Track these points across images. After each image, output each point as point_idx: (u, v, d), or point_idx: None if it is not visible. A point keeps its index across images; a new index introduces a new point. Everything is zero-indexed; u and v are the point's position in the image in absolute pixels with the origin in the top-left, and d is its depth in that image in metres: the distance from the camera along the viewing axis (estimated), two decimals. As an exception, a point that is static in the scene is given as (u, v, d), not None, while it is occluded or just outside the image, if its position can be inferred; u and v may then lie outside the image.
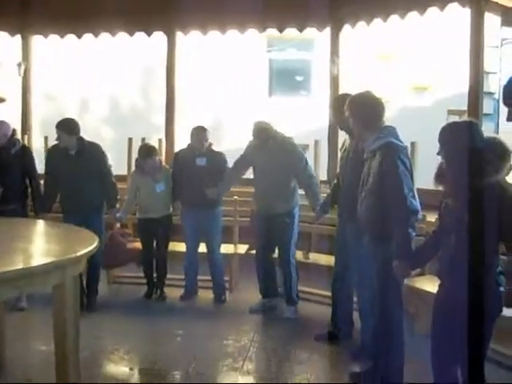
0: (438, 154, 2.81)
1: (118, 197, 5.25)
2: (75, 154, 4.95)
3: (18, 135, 5.53)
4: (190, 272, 5.39)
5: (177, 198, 5.36)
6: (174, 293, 5.45)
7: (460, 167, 2.66)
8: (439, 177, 2.83)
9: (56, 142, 5.05)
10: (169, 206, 5.38)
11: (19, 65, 6.89)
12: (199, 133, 5.23)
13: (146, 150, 5.26)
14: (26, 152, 5.15)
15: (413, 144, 5.14)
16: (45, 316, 4.00)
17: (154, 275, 5.40)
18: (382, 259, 3.40)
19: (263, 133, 4.86)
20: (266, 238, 5.02)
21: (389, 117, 3.56)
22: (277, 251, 5.09)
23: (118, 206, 5.26)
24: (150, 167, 5.21)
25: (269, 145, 4.84)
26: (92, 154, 5.00)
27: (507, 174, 2.69)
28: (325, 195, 4.75)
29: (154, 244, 5.38)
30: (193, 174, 5.18)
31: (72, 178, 4.90)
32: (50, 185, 5.09)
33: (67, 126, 4.90)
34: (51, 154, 5.16)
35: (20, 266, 2.41)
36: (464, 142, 2.68)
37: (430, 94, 10.05)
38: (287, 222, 4.88)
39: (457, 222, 2.69)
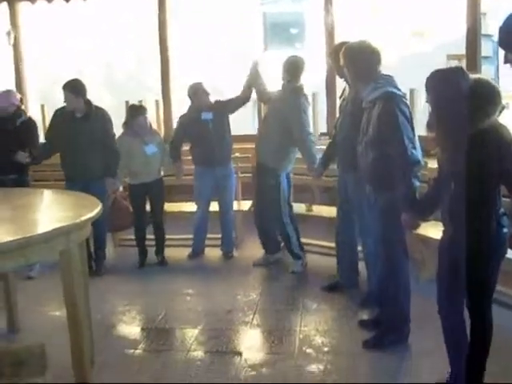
0: (426, 101, 2.78)
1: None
2: (81, 117, 4.88)
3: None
4: (199, 231, 5.39)
5: (176, 159, 5.31)
6: (179, 253, 5.49)
7: (446, 116, 2.63)
8: (430, 125, 2.80)
9: (62, 105, 4.97)
10: (160, 169, 5.30)
11: (8, 33, 6.76)
12: (197, 89, 5.17)
13: (135, 108, 5.15)
14: (31, 124, 5.10)
15: (412, 91, 5.08)
16: (55, 283, 4.10)
17: (149, 242, 5.38)
18: (385, 208, 3.42)
19: (296, 69, 4.77)
20: (261, 193, 5.00)
21: (387, 64, 3.50)
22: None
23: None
24: (139, 126, 5.07)
25: (284, 88, 4.76)
26: (98, 119, 4.92)
27: (499, 114, 2.65)
28: (323, 147, 4.72)
29: (148, 208, 5.32)
30: (201, 131, 5.13)
31: (76, 143, 4.84)
32: (47, 146, 5.03)
33: (74, 87, 4.81)
34: (57, 116, 5.03)
35: (24, 234, 2.41)
36: (449, 90, 2.63)
37: (428, 40, 9.90)
38: (272, 183, 4.85)
39: (451, 169, 2.68)
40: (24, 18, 6.86)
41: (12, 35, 6.74)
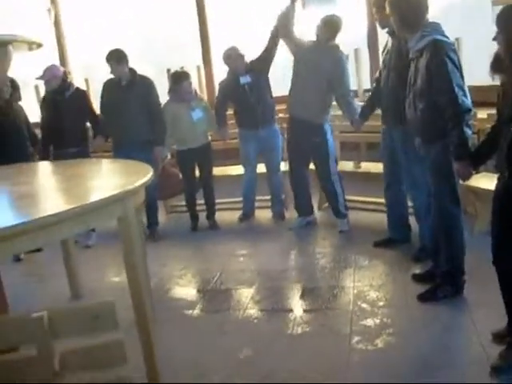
0: (493, 39, 2.68)
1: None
2: (126, 85, 5.01)
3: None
4: (248, 194, 5.44)
5: (222, 124, 5.32)
6: (230, 216, 5.58)
7: (510, 55, 2.55)
8: (495, 65, 2.71)
9: (110, 77, 5.12)
10: (207, 134, 5.34)
11: (49, 10, 6.86)
12: (231, 53, 5.13)
13: (179, 74, 5.17)
14: (80, 94, 5.22)
15: (457, 40, 4.95)
16: (112, 251, 4.25)
17: (200, 207, 5.46)
18: (437, 159, 3.37)
19: (333, 29, 4.71)
20: (298, 152, 4.96)
21: (432, 14, 3.42)
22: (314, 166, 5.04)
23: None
24: (185, 92, 5.10)
25: (325, 46, 4.70)
26: (143, 87, 5.03)
27: None
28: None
29: (197, 174, 5.39)
30: (241, 95, 5.12)
31: (123, 110, 4.96)
32: (106, 118, 5.16)
33: (116, 55, 4.94)
34: (105, 87, 5.20)
35: (83, 202, 2.49)
36: None
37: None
38: (319, 141, 4.81)
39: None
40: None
41: (52, 12, 6.83)
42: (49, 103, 5.14)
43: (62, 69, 5.21)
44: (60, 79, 5.06)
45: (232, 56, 5.13)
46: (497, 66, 2.67)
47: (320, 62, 4.68)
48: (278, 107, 5.50)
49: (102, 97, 5.22)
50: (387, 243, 4.44)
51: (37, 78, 5.12)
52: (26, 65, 5.27)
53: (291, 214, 5.39)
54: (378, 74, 4.27)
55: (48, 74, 5.04)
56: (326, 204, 5.25)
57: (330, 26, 4.71)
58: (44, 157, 5.07)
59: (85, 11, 9.07)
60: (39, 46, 3.21)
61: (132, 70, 5.02)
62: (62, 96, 5.06)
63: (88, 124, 5.30)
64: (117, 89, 5.03)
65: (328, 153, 4.84)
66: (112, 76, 5.05)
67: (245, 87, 5.11)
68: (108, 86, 5.15)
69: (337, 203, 4.95)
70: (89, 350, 1.87)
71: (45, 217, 2.30)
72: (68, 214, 2.37)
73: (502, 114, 2.74)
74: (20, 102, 5.22)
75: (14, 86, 5.09)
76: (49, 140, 5.16)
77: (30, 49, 3.19)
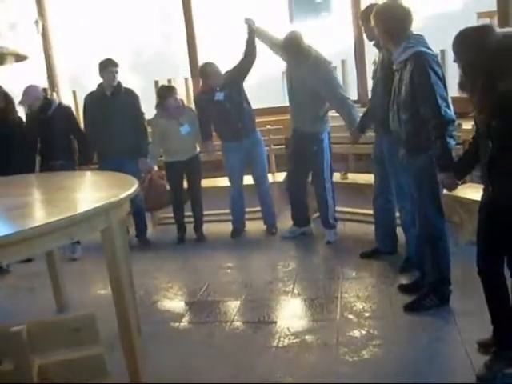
0: (454, 61, 2.73)
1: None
2: (111, 95, 5.04)
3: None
4: (237, 207, 5.37)
5: (207, 139, 5.29)
6: (218, 228, 5.57)
7: (475, 75, 2.58)
8: (462, 85, 2.75)
9: (91, 90, 5.17)
10: (195, 146, 5.32)
11: (36, 22, 6.86)
12: (207, 70, 5.09)
13: (165, 89, 5.19)
14: (63, 110, 5.22)
15: (443, 52, 4.99)
16: (98, 263, 4.22)
17: (188, 218, 5.44)
18: (420, 171, 3.40)
19: (294, 45, 4.69)
20: (297, 162, 4.98)
21: (417, 26, 3.45)
22: (310, 177, 5.06)
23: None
24: (171, 106, 5.10)
25: (299, 60, 4.69)
26: (128, 98, 5.08)
27: None
28: (360, 115, 4.69)
29: (185, 186, 5.36)
30: (218, 110, 5.08)
31: (108, 120, 4.99)
32: (91, 132, 5.17)
33: (115, 62, 5.02)
34: (87, 100, 5.22)
35: (67, 214, 2.48)
36: (475, 49, 2.58)
37: (456, -1, 9.65)
38: (316, 149, 4.81)
39: (487, 127, 2.63)
40: (50, 6, 6.94)
41: (40, 24, 6.83)
42: (33, 120, 5.13)
43: (40, 88, 5.18)
44: (40, 99, 5.07)
45: (208, 72, 5.08)
46: (462, 85, 2.71)
47: (305, 76, 4.69)
48: (266, 118, 5.52)
49: (85, 111, 5.23)
50: (374, 254, 4.45)
51: (19, 103, 5.12)
52: (13, 76, 5.28)
53: (283, 223, 5.38)
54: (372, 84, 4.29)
55: (27, 99, 5.06)
56: (316, 214, 5.25)
57: (296, 46, 4.69)
58: (30, 169, 5.05)
59: (73, 23, 9.12)
60: (24, 58, 3.22)
61: (118, 81, 5.06)
62: (45, 114, 5.06)
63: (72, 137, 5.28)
64: (101, 100, 5.06)
65: (323, 160, 4.84)
66: (94, 89, 5.13)
67: (221, 103, 5.08)
68: (91, 99, 5.17)
69: (327, 213, 4.94)
70: (69, 363, 1.85)
71: (27, 229, 2.29)
72: (51, 227, 2.36)
73: (478, 128, 2.78)
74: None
75: (7, 98, 5.09)
76: (34, 153, 5.16)
77: (16, 61, 3.19)
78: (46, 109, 5.07)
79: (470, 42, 2.64)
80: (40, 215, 2.81)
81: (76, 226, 2.48)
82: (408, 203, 3.84)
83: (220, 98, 5.08)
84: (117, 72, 5.03)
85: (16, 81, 5.30)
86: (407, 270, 4.07)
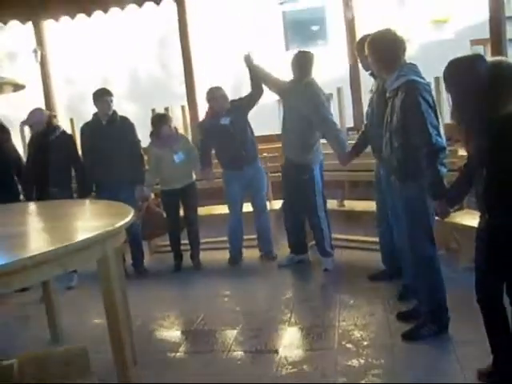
0: (446, 91, 2.76)
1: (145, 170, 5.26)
2: (107, 124, 5.07)
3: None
4: (235, 235, 5.34)
5: (207, 166, 5.28)
6: (214, 256, 5.54)
7: (466, 104, 2.61)
8: (453, 114, 2.78)
9: (87, 120, 5.21)
10: (191, 174, 5.31)
11: (35, 51, 6.91)
12: (215, 94, 5.14)
13: (158, 118, 5.21)
14: (66, 138, 5.23)
15: (437, 79, 5.03)
16: (94, 292, 4.19)
17: (184, 246, 5.41)
18: (410, 200, 3.40)
19: (303, 60, 4.76)
20: (290, 190, 4.98)
21: (410, 54, 3.49)
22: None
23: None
24: (165, 135, 5.10)
25: (297, 84, 4.73)
26: (123, 127, 5.12)
27: None
28: (353, 142, 4.71)
29: (182, 213, 5.34)
30: (223, 135, 5.09)
31: (104, 149, 5.00)
32: (88, 161, 5.17)
33: (110, 92, 5.07)
34: (84, 130, 5.24)
35: (61, 244, 2.48)
36: (465, 78, 2.61)
37: (450, 26, 9.79)
38: (306, 178, 4.80)
39: (480, 156, 2.65)
40: (49, 36, 7.01)
41: (39, 53, 6.89)
42: (35, 145, 5.15)
43: (46, 112, 5.22)
44: (44, 123, 5.08)
45: (216, 96, 5.14)
46: (455, 115, 2.73)
47: (296, 102, 4.73)
48: (263, 146, 5.54)
49: (82, 140, 5.25)
50: (381, 277, 4.45)
51: (22, 123, 5.16)
52: (11, 105, 5.31)
53: (279, 251, 5.37)
54: (366, 114, 4.32)
55: (31, 119, 5.08)
56: (313, 242, 5.23)
57: (300, 63, 4.76)
58: (28, 197, 5.05)
59: (71, 51, 9.21)
60: (22, 87, 3.23)
61: (113, 110, 5.10)
62: (46, 139, 5.06)
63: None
64: (97, 129, 5.08)
65: (314, 189, 4.83)
66: (91, 118, 5.17)
67: (226, 128, 5.09)
68: (88, 128, 5.19)
69: (323, 242, 4.92)
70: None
71: (23, 259, 2.28)
72: (46, 256, 2.35)
73: (471, 156, 2.79)
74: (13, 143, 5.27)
75: (2, 128, 5.11)
76: (33, 180, 5.14)
77: (15, 90, 3.21)
78: (48, 134, 5.08)
79: (461, 71, 2.67)
80: (36, 245, 2.80)
81: (72, 255, 2.47)
82: (401, 230, 3.85)
83: (226, 122, 5.10)
84: (111, 101, 5.07)
85: (14, 110, 5.31)
86: (404, 296, 4.04)
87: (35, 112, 5.11)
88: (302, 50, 4.94)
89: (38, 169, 5.08)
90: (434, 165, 3.17)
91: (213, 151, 5.42)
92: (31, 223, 3.60)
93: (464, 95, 2.62)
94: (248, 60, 5.08)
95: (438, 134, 3.21)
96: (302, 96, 4.71)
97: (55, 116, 5.43)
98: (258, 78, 5.10)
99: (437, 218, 3.38)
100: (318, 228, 4.91)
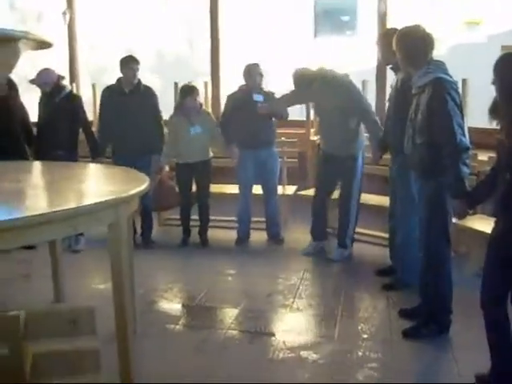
0: (492, 83, 2.71)
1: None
2: (129, 92, 5.05)
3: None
4: (244, 217, 5.35)
5: (230, 141, 5.22)
6: (222, 234, 5.54)
7: (509, 99, 2.57)
8: (493, 111, 2.74)
9: (109, 84, 5.19)
10: (207, 150, 5.29)
11: (64, 13, 6.91)
12: (254, 69, 5.14)
13: (187, 88, 5.17)
14: (74, 98, 5.21)
15: (464, 81, 4.97)
16: (100, 257, 4.21)
17: (194, 222, 5.41)
18: (430, 197, 3.37)
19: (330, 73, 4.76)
20: (327, 180, 4.96)
21: (439, 53, 3.45)
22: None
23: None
24: (188, 107, 5.10)
25: (330, 85, 4.69)
26: (146, 96, 5.09)
27: None
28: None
29: (194, 189, 5.35)
30: (250, 112, 5.05)
31: (125, 117, 4.98)
32: (104, 127, 5.17)
33: (137, 60, 5.06)
34: (105, 94, 5.22)
35: (74, 204, 2.48)
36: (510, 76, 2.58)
37: (482, 30, 9.64)
38: (349, 166, 4.77)
39: (509, 158, 2.61)
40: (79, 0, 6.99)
41: (68, 15, 6.88)
42: (43, 105, 5.15)
43: (55, 73, 5.17)
44: (52, 84, 5.05)
45: (252, 72, 5.13)
46: (495, 111, 2.69)
47: (330, 96, 4.68)
48: (282, 130, 5.52)
49: (101, 104, 5.24)
50: (388, 272, 4.42)
51: (29, 82, 5.13)
52: (35, 65, 5.30)
53: (287, 236, 5.38)
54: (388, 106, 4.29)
55: (39, 79, 5.06)
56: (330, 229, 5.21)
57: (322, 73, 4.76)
58: (37, 157, 5.04)
59: (99, 18, 9.19)
60: (49, 45, 3.21)
61: (138, 79, 5.08)
62: (53, 99, 5.05)
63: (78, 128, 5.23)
64: (119, 96, 5.07)
65: (354, 178, 4.78)
66: (114, 83, 5.13)
67: (256, 105, 5.07)
68: (109, 93, 5.17)
69: (345, 233, 4.87)
70: (63, 355, 1.84)
71: (34, 215, 2.28)
72: (58, 215, 2.34)
73: (499, 159, 2.75)
74: (21, 100, 5.25)
75: (11, 84, 5.10)
76: (40, 140, 5.14)
77: (40, 48, 3.18)
78: (54, 94, 5.06)
79: (509, 67, 2.63)
80: (47, 203, 2.79)
81: (84, 217, 2.46)
82: (408, 225, 3.91)
83: (259, 99, 5.10)
84: (137, 70, 5.04)
85: (37, 69, 5.29)
86: (393, 288, 4.13)
87: (43, 72, 5.07)
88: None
89: (44, 130, 5.08)
90: (457, 164, 3.13)
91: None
92: (42, 182, 3.58)
93: (509, 90, 2.58)
94: (264, 110, 5.06)
95: (463, 134, 3.17)
96: (334, 90, 4.66)
97: (63, 77, 5.35)
98: (282, 110, 5.16)
99: (454, 218, 3.36)
100: (346, 219, 4.85)
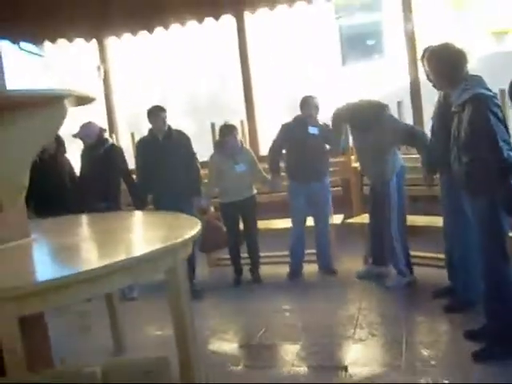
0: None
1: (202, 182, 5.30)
2: (163, 139, 5.12)
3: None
4: (297, 249, 5.30)
5: (276, 171, 5.25)
6: (274, 270, 5.50)
7: None
8: None
9: (143, 136, 5.28)
10: (251, 187, 5.32)
11: (98, 68, 7.11)
12: (311, 101, 5.15)
13: (227, 128, 5.21)
14: (115, 150, 5.31)
15: (502, 92, 4.87)
16: (154, 304, 4.23)
17: (244, 260, 5.41)
18: (482, 215, 3.30)
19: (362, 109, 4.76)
20: (372, 206, 4.93)
21: (471, 67, 3.40)
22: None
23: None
24: (230, 146, 5.14)
25: (366, 120, 4.69)
26: (179, 139, 5.16)
27: None
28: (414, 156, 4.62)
29: (241, 227, 5.35)
30: (305, 143, 5.08)
31: (162, 164, 5.03)
32: (143, 177, 5.23)
33: (163, 108, 5.15)
34: (140, 145, 5.32)
35: (132, 254, 2.50)
36: None
37: (511, 38, 9.55)
38: (381, 193, 4.73)
39: None
40: (112, 53, 7.20)
41: (102, 69, 7.07)
42: (85, 158, 5.26)
43: (97, 126, 5.31)
44: (95, 136, 5.18)
45: (309, 103, 5.14)
46: None
47: (369, 127, 4.67)
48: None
49: (137, 155, 5.31)
50: (447, 293, 4.31)
51: (73, 136, 5.26)
52: (75, 120, 5.45)
53: (338, 267, 5.31)
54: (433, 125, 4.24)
55: (82, 132, 5.19)
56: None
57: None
58: (81, 210, 5.12)
59: (131, 68, 9.44)
60: (92, 100, 3.30)
61: (168, 125, 5.16)
62: (96, 152, 5.16)
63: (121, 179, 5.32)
64: (154, 144, 5.13)
65: (389, 204, 4.69)
66: (146, 134, 5.23)
67: (311, 137, 5.09)
68: (144, 144, 5.25)
69: (395, 258, 4.78)
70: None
71: (96, 268, 2.31)
72: (118, 266, 2.36)
73: None
74: (66, 155, 5.39)
75: (59, 140, 5.25)
76: (84, 193, 5.21)
77: (82, 103, 3.27)
78: (98, 147, 5.17)
79: None
80: (103, 255, 2.82)
81: (143, 265, 2.48)
82: (460, 245, 3.87)
83: (315, 131, 5.12)
84: (165, 117, 5.12)
85: (76, 123, 5.44)
86: (454, 309, 4.03)
87: (86, 125, 5.20)
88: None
89: (88, 183, 5.18)
90: (508, 180, 3.07)
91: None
92: (94, 234, 3.62)
93: None
94: (272, 186, 5.24)
95: (510, 149, 3.11)
96: (372, 121, 4.66)
97: (105, 130, 5.49)
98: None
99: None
100: (391, 245, 4.77)
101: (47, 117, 2.77)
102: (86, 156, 5.27)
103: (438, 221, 4.49)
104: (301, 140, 5.11)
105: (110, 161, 5.16)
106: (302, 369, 3.52)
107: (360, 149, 4.96)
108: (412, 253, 5.11)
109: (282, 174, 5.36)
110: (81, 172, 5.35)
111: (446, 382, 3.15)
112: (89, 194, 5.13)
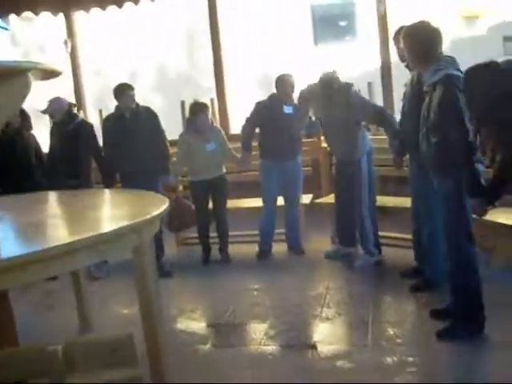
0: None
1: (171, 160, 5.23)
2: (130, 116, 5.02)
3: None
4: (267, 229, 5.28)
5: (247, 149, 5.21)
6: (243, 249, 5.49)
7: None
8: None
9: (109, 112, 5.17)
10: (221, 166, 5.28)
11: (65, 42, 6.94)
12: (287, 79, 5.08)
13: (198, 106, 5.13)
14: (85, 126, 5.20)
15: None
16: (123, 283, 4.19)
17: (213, 239, 5.38)
18: (448, 195, 3.32)
19: (328, 85, 4.68)
20: (339, 186, 4.91)
21: (442, 49, 3.40)
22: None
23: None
24: (200, 124, 5.08)
25: (332, 97, 4.65)
26: (146, 116, 5.06)
27: None
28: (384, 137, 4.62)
29: (211, 206, 5.31)
30: (279, 123, 5.03)
31: (129, 141, 4.93)
32: (110, 155, 5.14)
33: (130, 85, 5.05)
34: (107, 122, 5.21)
35: (99, 231, 2.45)
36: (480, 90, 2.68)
37: (482, 22, 9.62)
38: (350, 173, 4.69)
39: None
40: (79, 27, 7.02)
41: (69, 44, 6.91)
42: (55, 134, 5.15)
43: (66, 101, 5.19)
44: (63, 113, 5.07)
45: (285, 82, 5.07)
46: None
47: (332, 110, 4.66)
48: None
49: (104, 132, 5.20)
50: (414, 273, 4.35)
51: (41, 112, 5.13)
52: (39, 95, 5.31)
53: (306, 246, 5.31)
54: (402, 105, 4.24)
55: (50, 107, 5.07)
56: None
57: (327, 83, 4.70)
58: (50, 187, 5.03)
59: (101, 42, 9.25)
60: (58, 74, 3.20)
61: (136, 102, 5.06)
62: (65, 128, 5.05)
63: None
64: (121, 121, 5.03)
65: (359, 184, 4.66)
66: (113, 111, 5.12)
67: (286, 117, 5.04)
68: (111, 121, 5.14)
69: (366, 239, 4.79)
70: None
71: (59, 245, 2.25)
72: (84, 243, 2.31)
73: None
74: (32, 132, 5.26)
75: (24, 115, 5.12)
76: (53, 170, 5.12)
77: (48, 77, 3.18)
78: (67, 123, 5.07)
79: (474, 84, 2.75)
80: (69, 233, 2.77)
81: (109, 243, 2.43)
82: (429, 225, 3.88)
83: (289, 111, 5.06)
84: (134, 95, 5.01)
85: (43, 99, 5.31)
86: (419, 289, 4.07)
87: (54, 100, 5.08)
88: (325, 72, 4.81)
89: (57, 159, 5.07)
90: (471, 162, 3.10)
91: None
92: (61, 212, 3.57)
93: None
94: (243, 163, 5.26)
95: None
96: (337, 99, 4.63)
97: (75, 105, 5.37)
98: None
99: (474, 215, 3.31)
100: (361, 225, 4.77)
101: (10, 90, 2.67)
102: (55, 132, 5.16)
103: (406, 202, 4.52)
104: (276, 119, 5.06)
105: (80, 137, 5.06)
106: (270, 347, 3.52)
107: (326, 126, 4.92)
108: (380, 233, 5.14)
109: (254, 152, 5.33)
110: (50, 149, 5.23)
111: (411, 359, 3.19)
112: (59, 171, 5.03)
